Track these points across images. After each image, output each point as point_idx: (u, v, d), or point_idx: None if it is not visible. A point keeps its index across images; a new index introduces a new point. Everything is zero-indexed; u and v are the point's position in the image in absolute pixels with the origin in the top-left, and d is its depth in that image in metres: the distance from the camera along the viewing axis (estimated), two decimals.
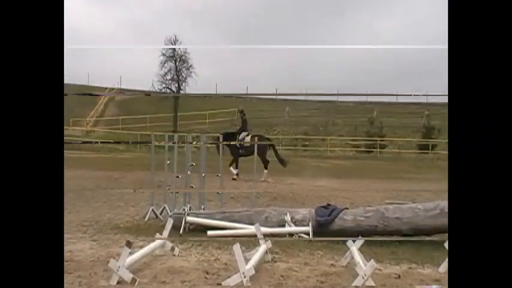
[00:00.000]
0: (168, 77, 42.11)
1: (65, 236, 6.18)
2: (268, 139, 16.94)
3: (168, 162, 8.56)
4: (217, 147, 16.69)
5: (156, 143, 9.11)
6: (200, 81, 55.06)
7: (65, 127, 36.85)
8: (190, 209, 7.58)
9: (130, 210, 8.77)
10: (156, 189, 9.11)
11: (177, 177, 8.26)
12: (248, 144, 15.71)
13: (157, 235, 5.37)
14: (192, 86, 43.91)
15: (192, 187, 8.59)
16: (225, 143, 14.73)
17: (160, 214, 7.89)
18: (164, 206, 8.05)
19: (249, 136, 16.12)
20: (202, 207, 8.07)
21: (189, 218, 6.80)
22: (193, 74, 42.62)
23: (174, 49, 41.96)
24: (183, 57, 42.44)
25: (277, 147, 17.80)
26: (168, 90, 41.78)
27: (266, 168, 15.74)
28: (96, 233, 6.56)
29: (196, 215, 7.01)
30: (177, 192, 8.18)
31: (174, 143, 8.80)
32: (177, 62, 42.28)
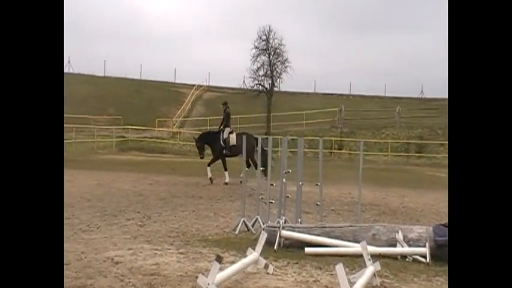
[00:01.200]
0: (261, 72, 42.29)
1: (151, 247, 6.50)
2: (255, 138, 16.56)
3: (262, 168, 8.66)
4: (198, 148, 16.79)
5: None
6: (296, 77, 55.46)
7: (150, 128, 38.95)
8: (285, 222, 7.63)
9: (219, 221, 9.02)
10: (247, 198, 9.27)
11: (271, 185, 8.34)
12: (234, 144, 15.87)
13: (250, 250, 5.45)
14: (288, 83, 44.09)
15: (288, 197, 8.63)
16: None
17: (252, 226, 8.02)
18: (256, 218, 8.16)
19: (234, 134, 16.28)
20: (299, 220, 8.08)
21: (284, 232, 6.83)
22: (289, 68, 42.58)
23: (268, 41, 42.33)
24: (278, 50, 42.57)
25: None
26: (260, 88, 42.13)
27: (256, 168, 15.47)
28: (184, 245, 6.82)
29: (293, 229, 7.03)
30: (271, 203, 8.25)
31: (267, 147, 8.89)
32: (270, 56, 42.49)
